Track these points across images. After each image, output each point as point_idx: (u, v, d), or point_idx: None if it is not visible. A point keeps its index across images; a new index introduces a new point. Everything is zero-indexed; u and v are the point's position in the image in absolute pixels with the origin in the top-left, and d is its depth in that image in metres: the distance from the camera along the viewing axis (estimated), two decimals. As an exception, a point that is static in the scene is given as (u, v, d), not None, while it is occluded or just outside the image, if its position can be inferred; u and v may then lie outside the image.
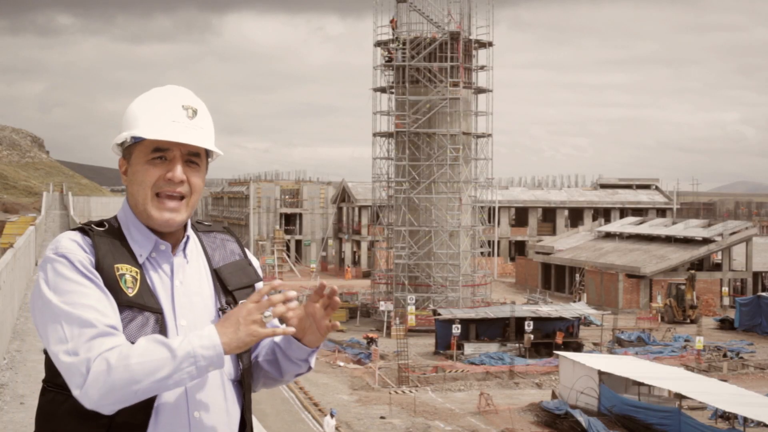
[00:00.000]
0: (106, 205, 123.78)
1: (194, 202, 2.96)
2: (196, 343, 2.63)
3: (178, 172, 2.87)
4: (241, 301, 2.77)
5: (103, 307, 2.72)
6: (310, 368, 3.08)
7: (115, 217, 2.98)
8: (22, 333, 21.15)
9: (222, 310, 2.94)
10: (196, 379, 2.67)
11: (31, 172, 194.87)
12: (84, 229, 2.91)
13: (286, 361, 3.05)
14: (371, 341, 48.16)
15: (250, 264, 3.13)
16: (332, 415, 30.25)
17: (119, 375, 2.59)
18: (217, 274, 3.02)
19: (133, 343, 2.68)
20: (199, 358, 2.63)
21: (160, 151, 2.88)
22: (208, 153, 3.01)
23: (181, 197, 2.90)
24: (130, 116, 2.92)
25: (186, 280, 2.95)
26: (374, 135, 64.44)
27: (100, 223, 2.95)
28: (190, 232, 3.03)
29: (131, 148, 2.92)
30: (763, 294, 58.78)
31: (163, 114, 2.88)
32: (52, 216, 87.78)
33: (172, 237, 2.97)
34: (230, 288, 3.02)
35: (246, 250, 3.18)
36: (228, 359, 2.91)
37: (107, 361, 2.60)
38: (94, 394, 2.61)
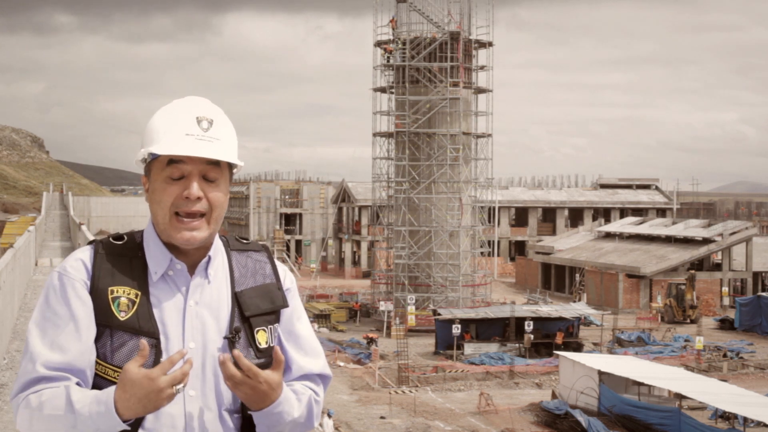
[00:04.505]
0: (106, 205, 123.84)
1: (217, 217, 2.83)
2: (93, 411, 2.60)
3: (194, 189, 2.77)
4: (148, 371, 2.59)
5: (69, 342, 2.73)
6: None
7: (142, 231, 2.94)
8: (22, 333, 21.14)
9: (228, 339, 2.82)
10: None
11: (31, 172, 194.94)
12: (95, 245, 2.88)
13: None
14: (371, 341, 48.16)
15: (280, 288, 2.98)
16: (329, 416, 30.22)
17: (37, 423, 2.67)
18: (237, 298, 2.90)
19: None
20: (97, 422, 2.61)
21: (176, 168, 2.79)
22: (230, 165, 2.87)
23: (201, 215, 2.80)
24: (148, 131, 2.85)
25: (203, 301, 2.85)
26: (374, 135, 64.46)
27: (119, 237, 2.91)
28: (215, 251, 2.91)
29: (150, 164, 2.85)
30: (763, 294, 58.76)
31: (177, 128, 2.79)
32: (52, 216, 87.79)
33: (191, 256, 2.87)
34: (247, 314, 2.88)
35: (282, 272, 3.03)
36: (228, 390, 2.82)
37: (29, 405, 2.68)
38: (24, 430, 2.73)
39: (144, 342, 2.61)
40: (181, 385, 2.61)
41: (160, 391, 2.57)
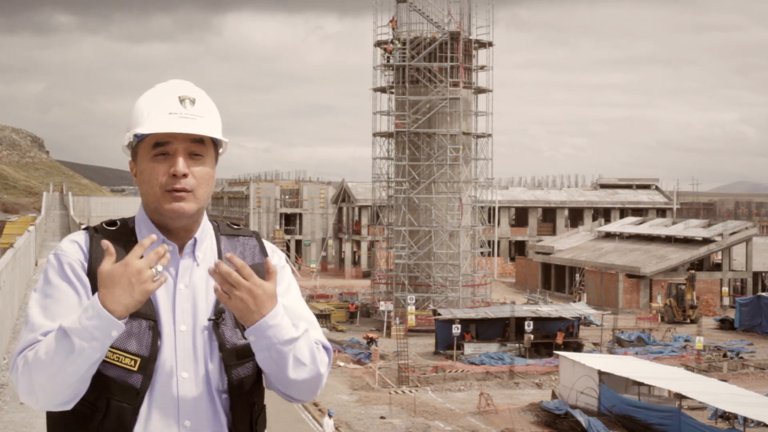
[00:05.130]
0: (106, 205, 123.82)
1: (203, 193, 2.88)
2: (84, 319, 2.60)
3: (180, 165, 2.82)
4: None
5: (70, 315, 2.73)
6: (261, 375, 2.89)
7: (134, 217, 3.00)
8: (22, 333, 21.13)
9: (212, 321, 2.87)
10: (107, 346, 2.65)
11: (31, 172, 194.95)
12: (89, 229, 2.93)
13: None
14: (371, 341, 48.17)
15: (269, 270, 2.95)
16: (330, 416, 30.20)
17: (36, 373, 2.65)
18: None
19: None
20: (91, 330, 2.60)
21: (161, 146, 2.85)
22: (215, 143, 2.94)
23: (188, 191, 2.85)
24: (132, 116, 2.91)
25: (192, 284, 2.91)
26: (374, 135, 64.46)
27: (112, 222, 2.96)
28: (202, 234, 2.96)
29: (137, 147, 2.90)
30: (763, 294, 58.77)
31: (160, 108, 2.85)
32: (52, 216, 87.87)
33: (181, 238, 2.93)
34: None
35: (270, 251, 3.06)
36: (216, 371, 2.87)
37: (26, 360, 2.68)
38: (27, 397, 2.72)
39: (106, 241, 2.65)
40: (160, 267, 2.63)
41: (139, 272, 2.61)
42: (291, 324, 2.81)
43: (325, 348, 2.98)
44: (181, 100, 2.86)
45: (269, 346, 2.76)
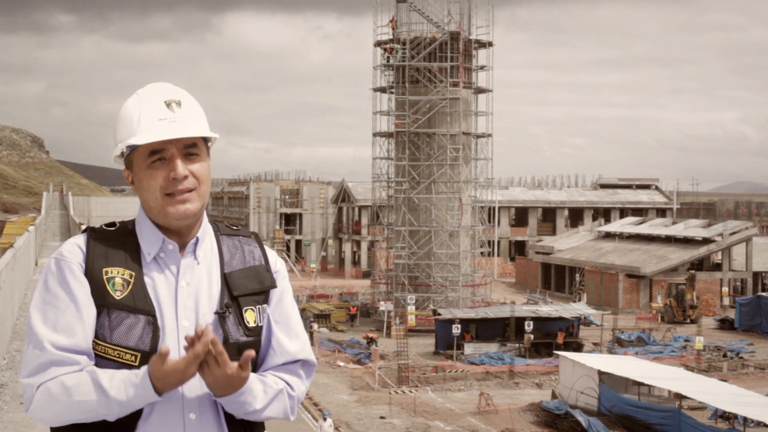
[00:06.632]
0: (106, 205, 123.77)
1: (204, 191, 2.95)
2: (131, 394, 2.72)
3: (180, 169, 2.88)
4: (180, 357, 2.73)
5: (72, 323, 2.82)
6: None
7: (134, 219, 3.05)
8: (22, 333, 21.14)
9: (218, 314, 2.94)
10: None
11: (31, 172, 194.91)
12: (88, 230, 2.99)
13: None
14: (371, 341, 48.16)
15: (268, 270, 3.09)
16: (325, 418, 29.84)
17: (60, 408, 2.76)
18: (226, 279, 3.01)
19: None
20: (135, 404, 2.75)
21: (157, 153, 2.89)
22: (205, 139, 3.00)
23: (190, 191, 2.91)
24: (120, 126, 2.95)
25: (194, 282, 2.96)
26: (374, 135, 64.46)
27: (112, 224, 3.02)
28: (203, 233, 3.02)
29: (130, 156, 2.95)
30: (763, 294, 58.76)
31: (149, 116, 2.89)
32: (52, 216, 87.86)
33: (182, 237, 2.98)
34: (235, 293, 2.99)
35: (271, 256, 3.13)
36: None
37: (49, 392, 2.76)
38: (41, 418, 2.81)
39: (165, 346, 2.71)
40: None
41: (189, 378, 2.75)
42: (261, 392, 2.91)
43: (308, 365, 3.09)
44: (168, 105, 2.91)
45: (234, 410, 2.90)
